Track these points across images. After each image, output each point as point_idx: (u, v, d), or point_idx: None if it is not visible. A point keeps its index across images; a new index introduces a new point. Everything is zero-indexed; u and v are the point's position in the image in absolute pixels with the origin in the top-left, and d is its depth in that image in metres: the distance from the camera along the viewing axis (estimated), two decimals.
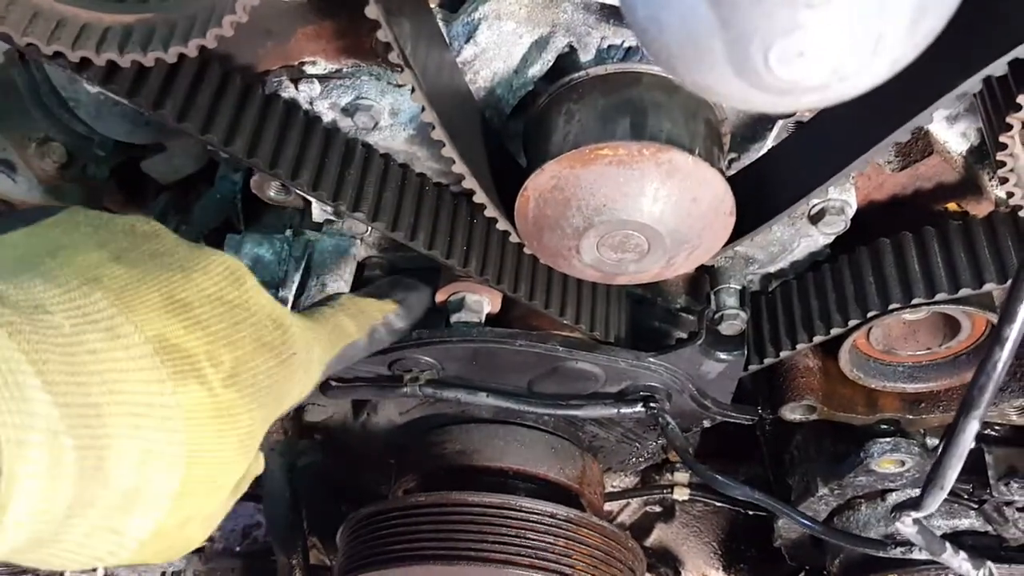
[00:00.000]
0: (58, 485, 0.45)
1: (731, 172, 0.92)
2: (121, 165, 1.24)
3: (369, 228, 0.99)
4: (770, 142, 0.91)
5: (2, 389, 0.42)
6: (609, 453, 1.25)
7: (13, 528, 0.43)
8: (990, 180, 0.99)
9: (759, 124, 0.90)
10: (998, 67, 0.68)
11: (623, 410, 1.05)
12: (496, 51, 0.82)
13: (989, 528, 1.18)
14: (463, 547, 1.01)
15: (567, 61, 0.84)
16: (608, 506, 1.43)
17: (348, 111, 0.84)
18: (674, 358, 1.02)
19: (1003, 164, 0.77)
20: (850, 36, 0.43)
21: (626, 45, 0.82)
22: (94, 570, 0.52)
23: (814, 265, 1.03)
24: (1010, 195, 0.82)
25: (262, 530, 1.53)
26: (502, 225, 0.89)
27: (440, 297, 1.00)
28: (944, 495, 0.73)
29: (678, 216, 0.81)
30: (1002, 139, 0.75)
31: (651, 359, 1.02)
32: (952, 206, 1.00)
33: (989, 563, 0.89)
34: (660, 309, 1.10)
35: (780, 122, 0.89)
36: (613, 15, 0.80)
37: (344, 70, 0.83)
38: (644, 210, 0.80)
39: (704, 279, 1.05)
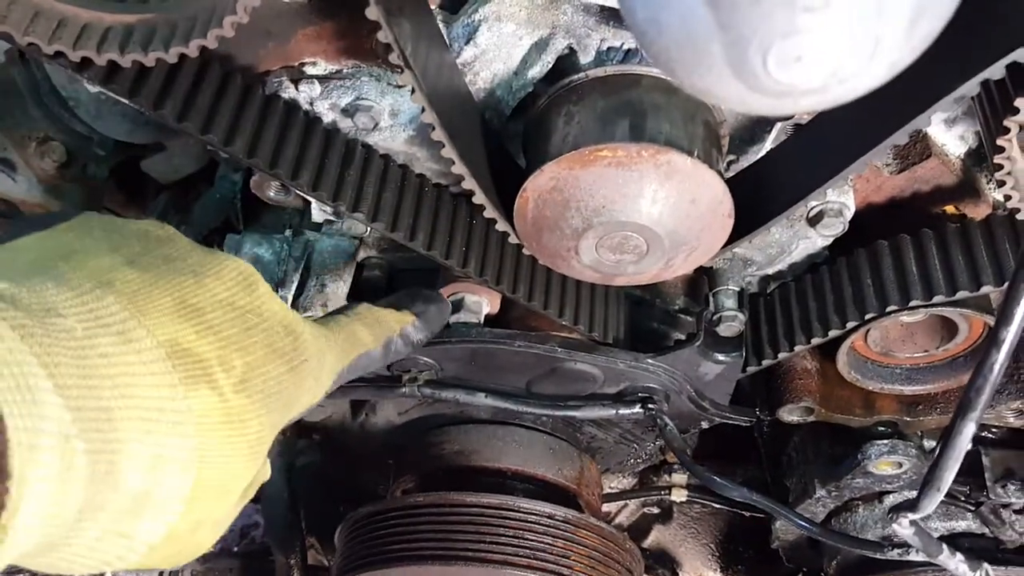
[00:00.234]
0: (69, 489, 0.45)
1: (730, 174, 0.92)
2: (121, 165, 1.24)
3: (369, 228, 1.00)
4: (768, 144, 0.91)
5: (14, 392, 0.42)
6: (607, 454, 1.25)
7: (23, 532, 0.43)
8: (988, 183, 0.99)
9: (758, 126, 0.90)
10: (996, 70, 0.68)
11: (621, 411, 1.05)
12: (496, 52, 0.82)
13: (986, 530, 1.19)
14: (461, 547, 1.01)
15: (567, 63, 0.84)
16: (606, 507, 1.43)
17: (348, 112, 0.85)
18: (672, 359, 1.03)
19: (1000, 167, 0.78)
20: (848, 39, 0.43)
21: (625, 47, 0.83)
22: (103, 575, 0.52)
23: (812, 267, 1.04)
24: (1007, 198, 0.82)
25: (260, 530, 1.53)
26: (501, 226, 0.89)
27: None
28: (941, 497, 0.73)
29: (677, 217, 0.81)
30: (999, 142, 0.75)
31: (649, 360, 1.02)
32: (950, 209, 1.01)
33: (986, 565, 0.89)
34: (659, 311, 1.10)
35: (779, 125, 0.90)
36: (613, 17, 0.81)
37: (344, 71, 0.83)
38: (643, 211, 0.80)
39: (703, 281, 1.05)
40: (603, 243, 0.84)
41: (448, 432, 1.17)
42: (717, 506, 1.41)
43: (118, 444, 0.47)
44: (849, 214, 0.94)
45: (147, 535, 0.51)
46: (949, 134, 0.96)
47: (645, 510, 1.48)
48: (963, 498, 1.17)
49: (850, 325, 0.95)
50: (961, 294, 0.89)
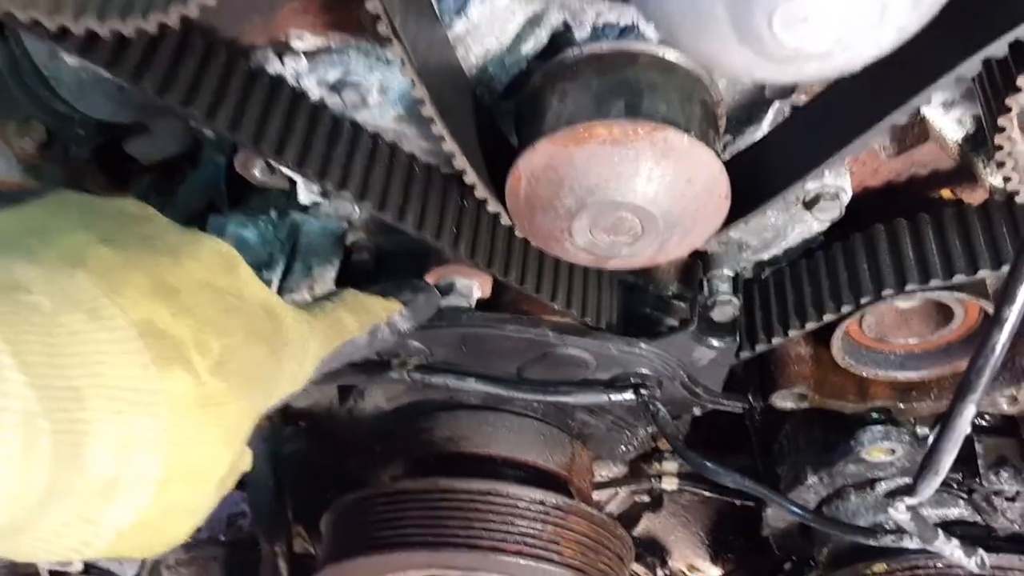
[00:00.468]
0: (33, 468, 0.43)
1: (726, 156, 0.90)
2: (103, 146, 1.21)
3: (357, 209, 0.98)
4: (766, 126, 0.90)
5: None
6: (599, 441, 1.24)
7: None
8: (985, 168, 0.98)
9: (755, 107, 0.89)
10: (998, 48, 0.67)
11: (613, 397, 1.04)
12: (489, 27, 0.80)
13: (978, 518, 1.18)
14: (450, 533, 1.00)
15: (562, 39, 0.82)
16: (596, 496, 1.42)
17: (336, 88, 0.82)
18: (665, 345, 1.01)
19: (1000, 147, 0.77)
20: (855, 2, 0.41)
21: (622, 24, 0.81)
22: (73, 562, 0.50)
23: (807, 252, 1.03)
24: (1007, 180, 0.81)
25: (248, 519, 1.52)
26: (493, 206, 0.87)
27: (430, 281, 0.99)
28: (939, 480, 0.72)
29: (672, 197, 0.80)
30: (1000, 121, 0.74)
31: (642, 345, 1.01)
32: (946, 193, 1.00)
33: (981, 551, 0.89)
34: (652, 296, 1.09)
35: (776, 105, 0.88)
36: None
37: (332, 46, 0.81)
38: (638, 191, 0.79)
39: (697, 266, 1.03)
40: (597, 224, 0.83)
41: (438, 418, 1.15)
42: (708, 494, 1.40)
43: (85, 424, 0.45)
44: (846, 198, 0.93)
45: (115, 520, 0.49)
46: (947, 118, 0.95)
47: (636, 499, 1.47)
48: (956, 485, 1.16)
49: (845, 309, 0.94)
50: (958, 278, 0.89)
